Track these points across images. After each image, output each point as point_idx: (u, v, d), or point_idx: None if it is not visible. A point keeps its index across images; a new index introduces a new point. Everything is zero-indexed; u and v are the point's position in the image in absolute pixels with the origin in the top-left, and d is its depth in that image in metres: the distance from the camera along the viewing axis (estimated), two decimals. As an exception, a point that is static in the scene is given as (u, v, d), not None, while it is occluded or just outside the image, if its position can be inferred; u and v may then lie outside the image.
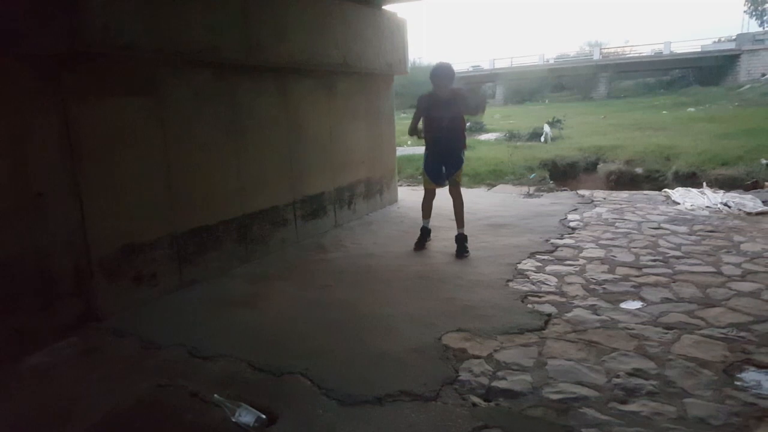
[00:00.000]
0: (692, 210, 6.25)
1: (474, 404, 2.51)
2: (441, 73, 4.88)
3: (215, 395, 2.58)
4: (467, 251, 4.95)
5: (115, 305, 3.72)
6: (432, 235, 5.36)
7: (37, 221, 3.29)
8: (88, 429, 2.47)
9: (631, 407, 2.41)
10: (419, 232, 5.32)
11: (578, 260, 4.56)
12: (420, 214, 5.31)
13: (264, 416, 2.43)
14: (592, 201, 7.12)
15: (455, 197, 5.14)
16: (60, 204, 3.40)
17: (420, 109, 5.13)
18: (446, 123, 4.97)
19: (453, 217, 5.10)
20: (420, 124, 5.19)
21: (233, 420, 2.42)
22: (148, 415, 2.56)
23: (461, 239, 5.01)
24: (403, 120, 9.59)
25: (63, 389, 2.83)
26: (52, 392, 2.81)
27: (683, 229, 5.42)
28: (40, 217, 3.30)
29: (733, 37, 39.67)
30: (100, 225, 3.62)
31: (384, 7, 6.80)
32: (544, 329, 3.26)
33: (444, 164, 5.13)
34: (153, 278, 4.02)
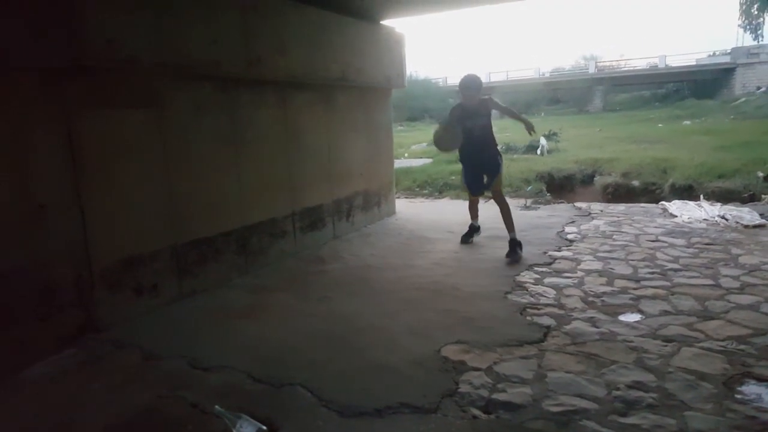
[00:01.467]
0: (689, 223, 6.28)
1: (474, 416, 2.51)
2: (469, 84, 5.09)
3: (216, 406, 2.58)
4: (517, 256, 5.06)
5: (115, 316, 3.72)
6: (430, 246, 5.38)
7: (39, 232, 3.30)
8: (89, 441, 2.46)
9: (632, 420, 2.41)
10: (467, 228, 5.67)
11: (576, 272, 4.58)
12: (418, 225, 5.39)
13: (264, 427, 2.43)
14: (590, 213, 7.15)
15: (500, 204, 5.32)
16: (61, 215, 3.41)
17: (452, 120, 5.29)
18: (477, 132, 5.16)
19: (451, 229, 5.14)
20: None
21: (234, 431, 2.42)
22: (149, 427, 2.56)
23: (512, 244, 5.16)
24: (399, 133, 9.64)
25: (63, 400, 2.82)
26: (52, 403, 2.81)
27: (681, 241, 5.45)
28: (42, 228, 3.31)
29: (728, 51, 39.94)
30: (101, 236, 3.63)
31: (382, 22, 6.86)
32: (543, 341, 3.27)
33: (483, 172, 5.28)
34: (154, 289, 4.02)
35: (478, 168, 5.36)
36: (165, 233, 4.13)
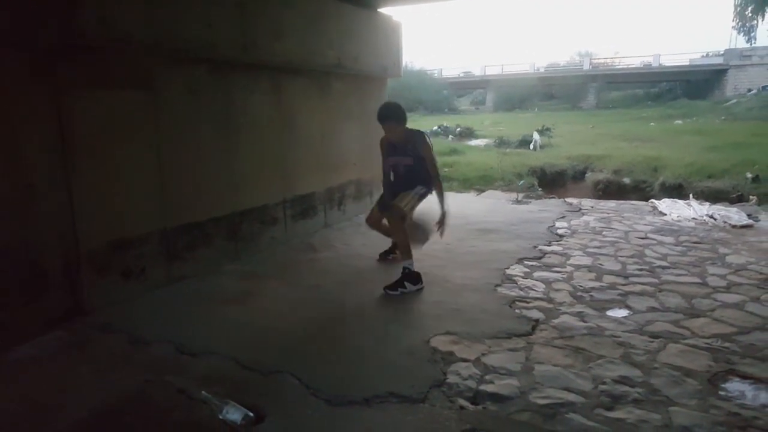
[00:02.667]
0: (678, 221, 6.32)
1: (462, 407, 2.52)
2: (385, 114, 4.25)
3: (203, 392, 2.56)
4: (399, 292, 4.01)
5: (103, 299, 3.69)
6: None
7: (27, 213, 3.25)
8: (75, 424, 2.44)
9: (617, 414, 2.43)
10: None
11: (566, 267, 4.60)
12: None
13: (251, 414, 2.42)
14: (580, 209, 7.18)
15: (393, 227, 4.33)
16: (50, 196, 3.37)
17: (383, 153, 4.59)
18: (401, 170, 4.43)
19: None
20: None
21: (220, 417, 2.41)
22: (135, 411, 2.54)
23: (403, 274, 4.10)
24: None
25: (49, 383, 2.80)
26: (37, 386, 2.78)
27: (669, 239, 5.49)
28: (30, 209, 3.27)
29: (721, 52, 40.15)
30: (89, 218, 3.59)
31: (380, 10, 6.81)
32: (531, 334, 3.28)
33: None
34: (142, 273, 3.99)
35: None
36: (155, 216, 4.09)
